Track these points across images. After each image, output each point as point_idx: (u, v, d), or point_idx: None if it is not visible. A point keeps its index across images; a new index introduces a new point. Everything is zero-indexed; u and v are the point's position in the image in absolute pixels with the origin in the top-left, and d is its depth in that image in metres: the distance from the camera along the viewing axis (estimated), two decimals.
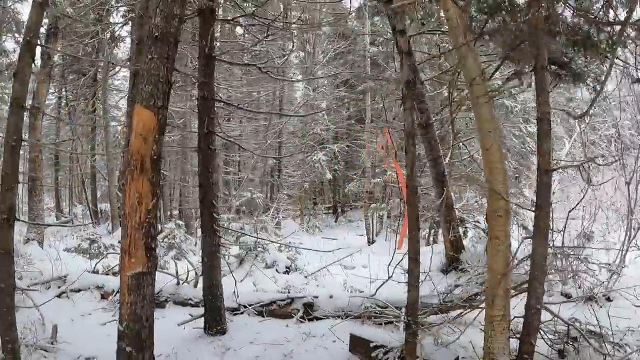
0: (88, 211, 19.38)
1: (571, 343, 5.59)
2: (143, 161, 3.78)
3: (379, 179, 17.18)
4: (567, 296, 7.14)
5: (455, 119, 6.72)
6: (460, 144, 9.76)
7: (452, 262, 9.55)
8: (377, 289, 7.34)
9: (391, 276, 7.29)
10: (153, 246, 3.97)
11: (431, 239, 14.81)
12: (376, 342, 5.65)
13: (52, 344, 6.09)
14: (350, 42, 18.37)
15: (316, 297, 7.48)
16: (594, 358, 5.37)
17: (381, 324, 6.97)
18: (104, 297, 8.31)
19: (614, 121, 10.42)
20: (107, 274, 9.17)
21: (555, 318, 5.62)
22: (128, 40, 14.98)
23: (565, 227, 7.18)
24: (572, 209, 6.95)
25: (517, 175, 13.09)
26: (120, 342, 4.11)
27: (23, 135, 4.96)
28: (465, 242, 10.29)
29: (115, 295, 8.06)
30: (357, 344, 5.99)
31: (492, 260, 5.04)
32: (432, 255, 8.72)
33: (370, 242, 16.15)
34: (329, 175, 19.77)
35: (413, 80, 5.20)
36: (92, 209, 18.56)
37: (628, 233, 7.99)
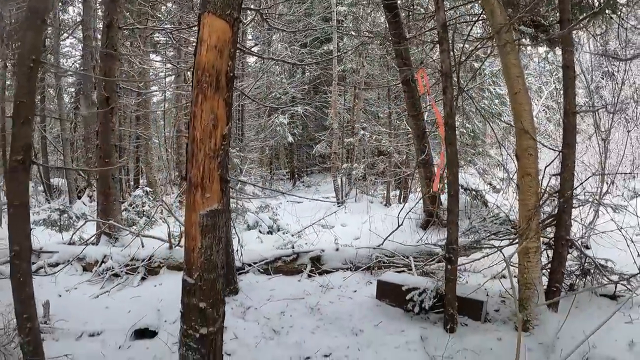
0: (42, 186, 17.78)
1: (583, 277, 5.85)
2: (218, 77, 3.22)
3: (352, 139, 17.15)
4: None
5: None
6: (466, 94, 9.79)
7: (430, 218, 9.69)
8: (384, 239, 7.38)
9: (401, 224, 7.37)
10: (228, 179, 3.46)
11: (401, 197, 15.13)
12: (408, 285, 5.67)
13: (46, 323, 5.54)
14: (309, 5, 18.13)
15: (323, 250, 7.41)
16: (599, 291, 5.66)
17: None
18: (86, 269, 7.77)
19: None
20: (86, 244, 8.59)
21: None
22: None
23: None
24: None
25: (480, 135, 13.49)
26: (190, 297, 3.53)
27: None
28: (442, 198, 10.53)
29: (100, 266, 7.60)
30: (385, 290, 5.98)
31: (524, 196, 5.20)
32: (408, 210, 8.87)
33: (340, 203, 16.16)
34: (290, 139, 19.51)
35: (446, 24, 5.18)
36: (45, 183, 17.14)
37: (600, 185, 8.46)
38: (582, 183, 6.12)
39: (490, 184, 11.89)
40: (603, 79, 12.82)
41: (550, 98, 15.26)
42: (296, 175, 25.96)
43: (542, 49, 16.25)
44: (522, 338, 3.61)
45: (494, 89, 12.97)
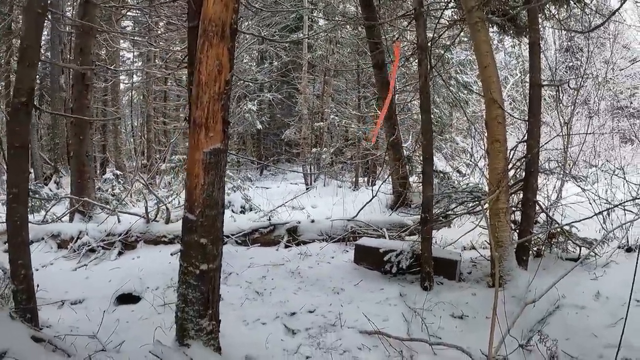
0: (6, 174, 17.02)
1: (549, 241, 6.21)
2: (224, 28, 3.42)
3: (321, 123, 17.38)
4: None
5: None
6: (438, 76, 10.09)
7: (399, 199, 9.96)
8: (359, 210, 7.66)
9: (375, 195, 7.64)
10: (229, 121, 3.64)
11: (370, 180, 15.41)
12: (385, 247, 5.95)
13: None
14: None
15: (299, 222, 7.64)
16: (564, 255, 6.06)
17: None
18: (61, 246, 7.76)
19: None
20: (60, 221, 8.54)
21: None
22: None
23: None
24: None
25: (450, 122, 13.96)
26: (191, 234, 3.65)
27: None
28: (410, 180, 10.84)
29: (75, 242, 7.59)
30: (363, 253, 6.25)
31: (494, 160, 5.54)
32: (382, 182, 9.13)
33: (309, 188, 16.26)
34: (259, 126, 19.56)
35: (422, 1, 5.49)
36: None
37: (563, 170, 8.92)
38: (547, 142, 6.51)
39: (458, 170, 12.29)
40: (567, 72, 13.57)
41: (514, 89, 15.88)
42: (263, 165, 25.60)
43: (508, 44, 17.00)
44: (498, 282, 3.91)
45: (461, 77, 13.42)
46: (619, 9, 5.39)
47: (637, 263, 3.15)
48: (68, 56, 14.38)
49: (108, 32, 9.31)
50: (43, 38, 16.18)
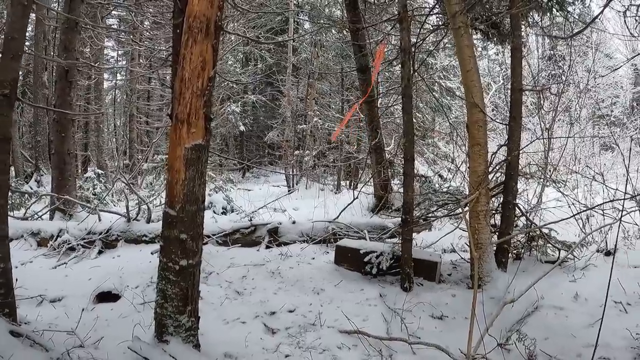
0: None
1: (528, 244, 6.28)
2: (208, 25, 3.42)
3: (304, 126, 17.39)
4: None
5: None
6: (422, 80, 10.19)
7: (380, 203, 10.00)
8: (340, 211, 7.68)
9: (356, 197, 7.67)
10: (211, 117, 3.64)
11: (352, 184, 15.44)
12: (366, 249, 5.98)
13: None
14: None
15: (280, 223, 7.64)
16: (544, 258, 6.14)
17: None
18: (40, 244, 7.65)
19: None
20: (40, 219, 8.44)
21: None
22: None
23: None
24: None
25: (432, 127, 14.07)
26: (171, 229, 3.62)
27: None
28: (392, 183, 10.90)
29: (55, 240, 7.52)
30: (343, 254, 6.26)
31: (475, 163, 5.61)
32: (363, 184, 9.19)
33: (291, 190, 16.23)
34: (242, 128, 19.50)
35: (406, 5, 5.55)
36: None
37: (543, 174, 9.06)
38: (527, 145, 6.60)
39: (440, 175, 12.39)
40: (548, 80, 13.82)
41: (496, 95, 16.07)
42: (245, 166, 25.60)
43: (491, 51, 17.26)
44: (477, 280, 3.96)
45: (444, 82, 13.54)
46: (599, 15, 5.49)
47: (612, 264, 3.21)
48: (52, 53, 14.26)
49: (93, 29, 9.21)
50: (27, 35, 16.19)
